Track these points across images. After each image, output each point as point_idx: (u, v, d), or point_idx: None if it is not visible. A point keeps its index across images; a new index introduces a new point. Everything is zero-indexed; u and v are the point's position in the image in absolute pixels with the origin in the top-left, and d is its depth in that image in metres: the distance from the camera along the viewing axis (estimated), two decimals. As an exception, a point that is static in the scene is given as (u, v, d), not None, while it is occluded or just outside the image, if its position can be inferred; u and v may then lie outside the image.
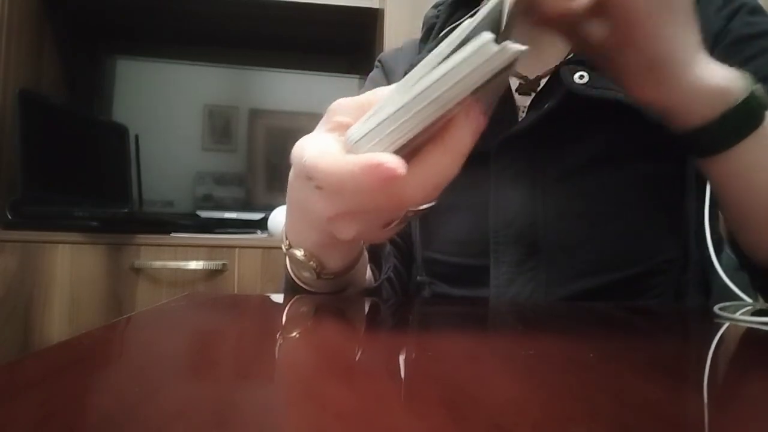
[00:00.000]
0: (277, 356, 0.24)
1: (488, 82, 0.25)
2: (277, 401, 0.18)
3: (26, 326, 1.05)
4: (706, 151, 0.36)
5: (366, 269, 0.46)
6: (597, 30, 0.34)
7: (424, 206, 0.31)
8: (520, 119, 0.51)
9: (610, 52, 0.34)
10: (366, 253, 0.45)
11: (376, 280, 0.49)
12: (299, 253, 0.37)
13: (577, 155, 0.48)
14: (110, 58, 1.48)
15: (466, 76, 0.25)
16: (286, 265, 0.44)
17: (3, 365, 0.20)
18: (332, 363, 0.23)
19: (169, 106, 1.49)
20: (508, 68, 0.26)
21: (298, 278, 0.42)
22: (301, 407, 0.17)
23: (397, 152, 0.27)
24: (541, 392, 0.19)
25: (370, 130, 0.27)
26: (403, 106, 0.26)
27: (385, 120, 0.26)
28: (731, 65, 0.48)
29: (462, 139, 0.27)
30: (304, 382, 0.20)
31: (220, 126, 1.51)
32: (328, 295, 0.42)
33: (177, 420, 0.15)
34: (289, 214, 0.38)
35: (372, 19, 1.39)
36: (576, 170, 0.48)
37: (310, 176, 0.29)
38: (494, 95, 0.30)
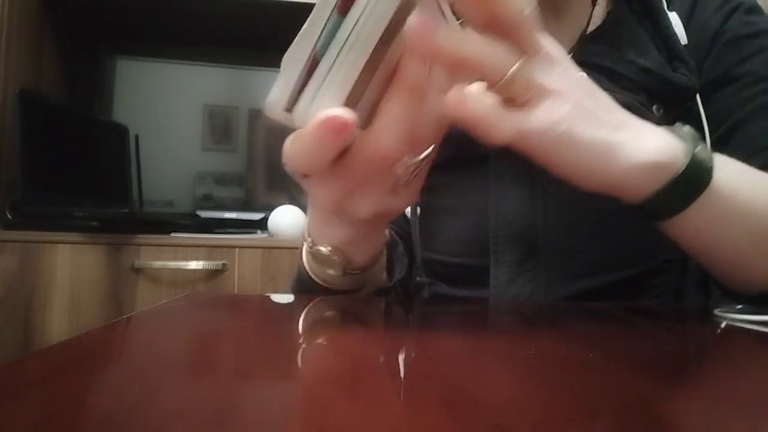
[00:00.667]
0: (277, 356, 0.24)
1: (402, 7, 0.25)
2: (277, 401, 0.18)
3: (26, 326, 1.05)
4: (658, 218, 0.36)
5: (384, 268, 0.47)
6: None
7: (422, 155, 0.31)
8: None
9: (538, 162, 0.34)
10: (386, 252, 0.45)
11: (390, 281, 0.49)
12: (325, 249, 0.37)
13: None
14: (110, 58, 1.48)
15: (376, 8, 0.25)
16: (301, 263, 0.44)
17: (3, 365, 0.20)
18: (332, 363, 0.23)
19: (169, 106, 1.49)
20: None
21: (319, 277, 0.42)
22: (300, 407, 0.17)
23: (357, 114, 0.26)
24: (541, 392, 0.19)
25: (299, 93, 0.26)
26: (329, 60, 0.26)
27: (318, 84, 0.26)
28: (729, 64, 0.49)
29: (410, 70, 0.27)
30: (303, 382, 0.20)
31: (220, 126, 1.51)
32: (341, 294, 0.42)
33: (177, 420, 0.15)
34: (312, 213, 0.38)
35: (372, 19, 1.39)
36: None
37: (291, 169, 0.29)
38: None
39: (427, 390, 0.18)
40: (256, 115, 1.53)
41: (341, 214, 0.33)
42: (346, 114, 0.25)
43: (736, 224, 0.36)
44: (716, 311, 0.37)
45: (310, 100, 0.26)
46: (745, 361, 0.26)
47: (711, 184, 0.34)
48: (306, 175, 0.30)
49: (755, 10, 0.51)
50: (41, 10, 1.31)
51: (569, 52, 0.49)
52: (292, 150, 0.28)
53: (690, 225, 0.36)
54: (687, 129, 0.36)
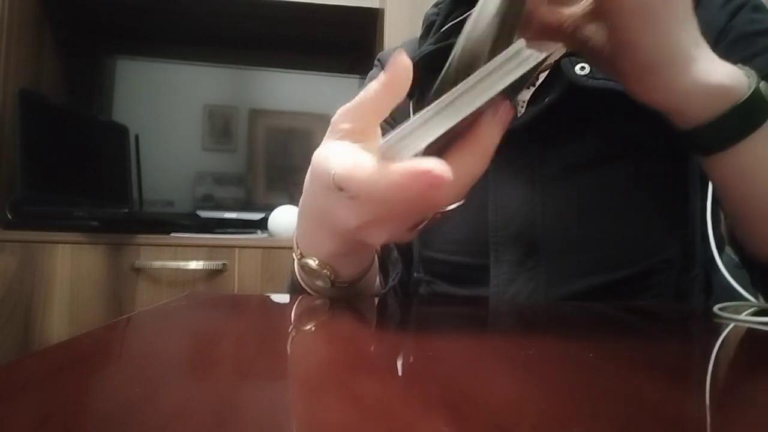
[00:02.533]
0: (276, 356, 0.24)
1: (515, 83, 0.26)
2: (277, 401, 0.18)
3: (26, 326, 1.05)
4: (708, 150, 0.36)
5: (376, 276, 0.47)
6: (595, 35, 0.34)
7: (453, 206, 0.31)
8: (519, 114, 0.50)
9: (609, 56, 0.34)
10: (377, 260, 0.45)
11: (383, 287, 0.49)
12: (313, 263, 0.37)
13: (576, 152, 0.48)
14: (110, 58, 1.48)
15: (498, 78, 0.25)
16: (293, 271, 0.44)
17: (3, 365, 0.20)
18: (332, 363, 0.23)
19: (169, 106, 1.49)
20: (533, 70, 0.26)
21: (309, 286, 0.42)
22: (300, 407, 0.17)
23: (425, 152, 0.26)
24: (541, 392, 0.19)
25: (404, 135, 0.26)
26: (435, 108, 0.26)
27: (418, 124, 0.26)
28: (734, 62, 0.48)
29: (490, 137, 0.28)
30: (303, 382, 0.20)
31: (220, 126, 1.51)
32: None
33: (177, 420, 0.15)
34: (304, 224, 0.38)
35: (372, 19, 1.39)
36: (576, 168, 0.48)
37: (342, 187, 0.28)
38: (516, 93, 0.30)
39: (427, 390, 0.18)
40: (256, 115, 1.53)
41: (353, 236, 0.32)
42: (446, 170, 0.24)
43: None
44: (717, 311, 0.37)
45: (403, 137, 0.26)
46: (746, 361, 0.26)
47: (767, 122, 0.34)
48: (352, 195, 0.29)
49: (761, 8, 0.50)
50: (41, 10, 1.31)
51: None
52: (365, 175, 0.27)
53: (738, 162, 0.35)
54: (749, 70, 0.36)
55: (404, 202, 0.27)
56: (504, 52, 0.25)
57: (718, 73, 0.33)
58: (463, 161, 0.28)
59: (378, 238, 0.31)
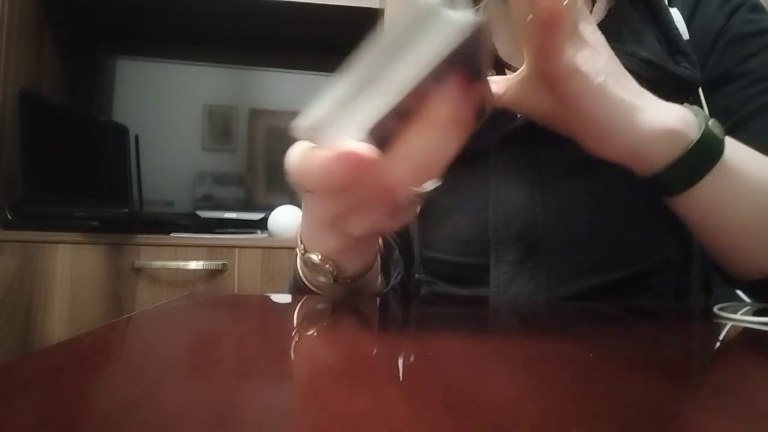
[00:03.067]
0: (276, 356, 0.24)
1: (455, 55, 0.25)
2: (276, 401, 0.18)
3: (26, 326, 1.05)
4: (670, 192, 0.37)
5: (378, 274, 0.47)
6: (540, 104, 0.36)
7: (428, 187, 0.31)
8: (518, 116, 0.50)
9: (559, 121, 0.35)
10: (379, 259, 0.45)
11: (385, 286, 0.49)
12: (315, 258, 0.37)
13: (577, 152, 0.48)
14: (110, 58, 1.48)
15: (421, 52, 0.25)
16: (295, 267, 0.44)
17: (3, 365, 0.20)
18: (332, 363, 0.23)
19: (169, 106, 1.49)
20: (477, 39, 0.25)
21: (312, 283, 0.42)
22: (300, 407, 0.17)
23: (371, 136, 0.26)
24: (541, 392, 0.19)
25: (330, 116, 0.26)
26: (362, 90, 0.26)
27: (346, 105, 0.26)
28: (731, 62, 0.49)
29: (439, 113, 0.27)
30: (303, 382, 0.20)
31: (220, 126, 1.51)
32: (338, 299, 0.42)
33: (177, 420, 0.15)
34: (305, 221, 0.38)
35: (372, 19, 1.39)
36: (576, 168, 0.48)
37: (295, 182, 0.29)
38: (478, 63, 0.29)
39: (427, 390, 0.18)
40: (256, 115, 1.53)
41: (335, 228, 0.33)
42: (368, 150, 0.25)
43: (743, 200, 0.37)
44: (717, 311, 0.37)
45: (337, 121, 0.26)
46: (746, 361, 0.26)
47: (722, 158, 0.34)
48: (309, 190, 0.30)
49: (758, 8, 0.51)
50: (41, 10, 1.31)
51: None
52: (302, 167, 0.28)
53: (700, 199, 0.36)
54: (696, 107, 0.36)
55: (355, 189, 0.28)
56: (413, 14, 0.25)
57: (665, 120, 0.34)
58: (413, 140, 0.28)
59: (358, 227, 0.31)
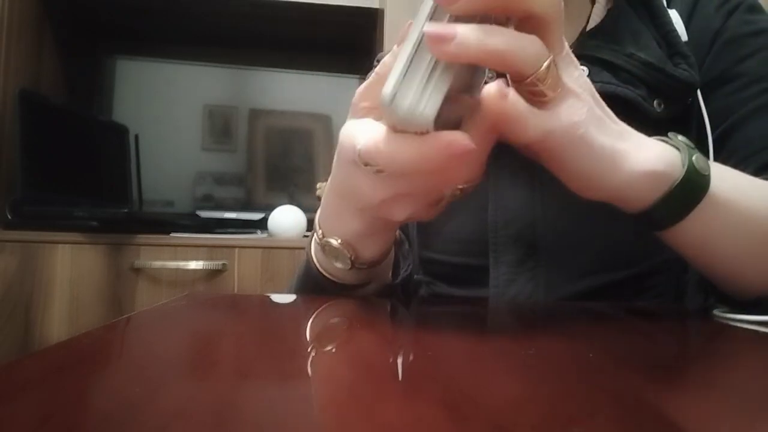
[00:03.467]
0: (276, 356, 0.24)
1: None
2: (276, 401, 0.18)
3: (26, 326, 1.05)
4: (657, 227, 0.36)
5: (391, 265, 0.47)
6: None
7: (473, 182, 0.32)
8: None
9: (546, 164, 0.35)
10: (394, 249, 0.45)
11: (395, 279, 0.49)
12: (335, 242, 0.37)
13: None
14: (110, 58, 1.48)
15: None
16: (309, 255, 0.44)
17: (3, 365, 0.20)
18: (332, 363, 0.23)
19: (169, 106, 1.49)
20: None
21: (327, 270, 0.42)
22: (300, 407, 0.17)
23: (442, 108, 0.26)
24: (541, 392, 0.19)
25: (403, 81, 0.26)
26: (428, 61, 0.25)
27: (418, 66, 0.26)
28: (728, 63, 0.49)
29: (495, 109, 0.27)
30: (303, 382, 0.20)
31: (220, 126, 1.52)
32: (343, 293, 0.42)
33: (177, 420, 0.15)
34: (329, 204, 0.38)
35: (372, 19, 1.39)
36: None
37: (367, 161, 0.29)
38: None
39: (427, 390, 0.18)
40: (256, 115, 1.53)
41: (376, 212, 0.33)
42: (469, 142, 0.25)
43: (733, 231, 0.36)
44: (715, 311, 0.37)
45: (418, 96, 0.26)
46: (745, 362, 0.26)
47: (709, 191, 0.34)
48: (380, 170, 0.29)
49: (756, 8, 0.50)
50: (41, 10, 1.31)
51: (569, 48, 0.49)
52: (392, 148, 0.27)
53: (689, 233, 0.36)
54: (682, 138, 0.36)
55: (428, 174, 0.28)
56: None
57: (647, 162, 0.33)
58: (477, 130, 0.28)
59: (401, 213, 0.32)
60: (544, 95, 0.29)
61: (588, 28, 0.50)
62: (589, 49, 0.47)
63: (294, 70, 1.55)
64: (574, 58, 0.32)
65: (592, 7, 0.51)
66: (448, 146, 0.25)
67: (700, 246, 0.37)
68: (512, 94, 0.28)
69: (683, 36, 0.49)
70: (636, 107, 0.45)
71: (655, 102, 0.46)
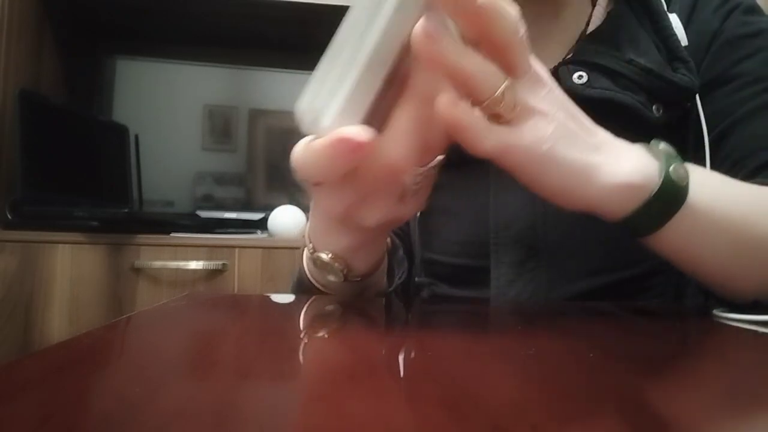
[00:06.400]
0: (276, 356, 0.24)
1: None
2: (276, 401, 0.18)
3: (26, 326, 1.05)
4: (637, 235, 0.36)
5: (385, 274, 0.47)
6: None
7: (431, 164, 0.31)
8: None
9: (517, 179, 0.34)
10: (387, 258, 0.45)
11: (389, 286, 0.49)
12: (326, 256, 0.37)
13: None
14: (110, 58, 1.48)
15: (385, 8, 0.26)
16: (301, 267, 0.44)
17: (3, 365, 0.20)
18: (332, 363, 0.23)
19: (169, 106, 1.49)
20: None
21: (319, 282, 0.42)
22: (300, 407, 0.17)
23: (369, 120, 0.27)
24: (541, 392, 0.19)
25: (324, 102, 0.27)
26: (347, 70, 0.26)
27: (336, 89, 0.26)
28: (726, 65, 0.48)
29: (420, 82, 0.28)
30: (303, 382, 0.20)
31: (220, 126, 1.51)
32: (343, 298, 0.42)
33: (177, 420, 0.15)
34: (315, 220, 0.38)
35: (372, 19, 1.39)
36: None
37: (300, 177, 0.29)
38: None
39: (427, 390, 0.18)
40: (256, 115, 1.53)
41: (347, 222, 0.33)
42: (362, 134, 0.25)
43: (716, 239, 0.36)
44: (715, 311, 0.37)
45: (332, 109, 0.26)
46: (745, 362, 0.26)
47: (687, 201, 0.34)
48: (315, 183, 0.30)
49: (754, 10, 0.50)
50: (41, 10, 1.31)
51: (569, 53, 0.49)
52: (303, 159, 0.28)
53: (670, 241, 0.36)
54: (663, 146, 0.36)
55: (358, 176, 0.28)
56: None
57: (623, 173, 0.33)
58: (403, 114, 0.28)
59: (372, 217, 0.32)
60: (505, 115, 0.30)
61: (588, 32, 0.50)
62: (589, 54, 0.47)
63: (294, 70, 1.55)
64: (543, 76, 0.31)
65: (593, 9, 0.51)
66: (338, 143, 0.25)
67: (682, 252, 0.37)
68: (464, 104, 0.28)
69: (683, 40, 0.49)
70: (635, 113, 0.45)
71: (653, 107, 0.46)
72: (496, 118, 0.30)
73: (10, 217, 1.09)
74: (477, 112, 0.29)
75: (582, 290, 0.47)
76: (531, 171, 0.32)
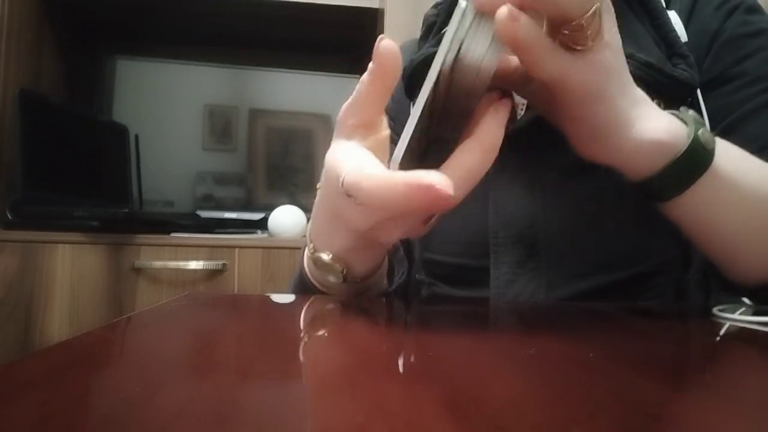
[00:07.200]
0: (277, 356, 0.24)
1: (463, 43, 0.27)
2: (277, 401, 0.18)
3: (26, 326, 1.05)
4: (659, 198, 0.37)
5: (385, 276, 0.47)
6: (540, 95, 0.35)
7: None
8: (518, 117, 0.50)
9: (555, 118, 0.35)
10: (387, 258, 0.45)
11: (389, 285, 0.49)
12: (326, 257, 0.37)
13: (576, 154, 0.48)
14: (110, 58, 1.48)
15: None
16: (302, 266, 0.44)
17: (3, 365, 0.20)
18: (332, 363, 0.23)
19: (169, 106, 1.49)
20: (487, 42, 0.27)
21: (320, 282, 0.42)
22: (300, 407, 0.17)
23: (418, 146, 0.28)
24: (542, 392, 0.19)
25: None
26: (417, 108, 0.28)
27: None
28: (727, 64, 0.49)
29: (491, 133, 0.28)
30: (303, 382, 0.20)
31: (220, 126, 1.51)
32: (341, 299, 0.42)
33: (177, 420, 0.15)
34: (318, 220, 0.38)
35: (372, 19, 1.39)
36: (576, 169, 0.48)
37: (350, 194, 0.28)
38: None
39: (427, 390, 0.18)
40: (256, 115, 1.53)
41: (366, 235, 0.33)
42: (446, 185, 0.24)
43: (735, 207, 0.37)
44: (716, 311, 0.37)
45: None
46: (745, 361, 0.26)
47: (712, 165, 0.34)
48: (359, 203, 0.30)
49: (755, 9, 0.50)
50: (41, 10, 1.31)
51: None
52: (372, 186, 0.27)
53: (690, 206, 0.36)
54: (691, 113, 0.36)
55: (410, 210, 0.28)
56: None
57: (655, 131, 0.33)
58: (466, 160, 0.28)
59: (390, 237, 0.32)
60: (584, 43, 0.29)
61: None
62: None
63: (294, 70, 1.55)
64: (614, 13, 0.31)
65: None
66: (427, 189, 0.24)
67: (700, 220, 0.37)
68: (525, 18, 0.26)
69: (683, 37, 0.49)
70: None
71: (654, 102, 0.46)
72: (573, 44, 0.29)
73: (10, 217, 1.09)
74: (541, 30, 0.28)
75: (582, 290, 0.47)
76: (580, 106, 0.32)
